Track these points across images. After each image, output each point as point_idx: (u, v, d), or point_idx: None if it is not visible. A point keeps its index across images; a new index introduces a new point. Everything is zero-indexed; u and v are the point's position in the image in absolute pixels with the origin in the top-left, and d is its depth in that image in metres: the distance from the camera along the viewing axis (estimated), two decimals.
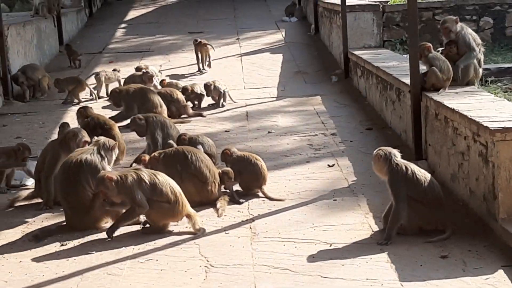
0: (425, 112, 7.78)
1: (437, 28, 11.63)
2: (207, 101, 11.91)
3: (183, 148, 7.54)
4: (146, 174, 6.46)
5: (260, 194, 7.42)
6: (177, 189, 6.55)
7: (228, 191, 7.42)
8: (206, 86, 11.73)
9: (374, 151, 6.19)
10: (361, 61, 11.69)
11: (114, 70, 13.36)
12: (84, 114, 9.29)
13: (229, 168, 7.52)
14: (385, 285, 5.20)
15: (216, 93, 11.76)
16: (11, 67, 12.96)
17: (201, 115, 11.23)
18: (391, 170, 6.05)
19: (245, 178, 7.51)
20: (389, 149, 6.16)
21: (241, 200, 7.26)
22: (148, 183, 6.40)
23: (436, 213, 6.03)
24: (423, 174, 6.12)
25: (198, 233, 6.37)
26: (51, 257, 6.08)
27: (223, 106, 11.76)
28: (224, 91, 11.83)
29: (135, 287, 5.39)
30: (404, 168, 6.05)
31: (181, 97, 11.33)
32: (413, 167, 6.11)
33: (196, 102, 11.80)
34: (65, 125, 8.83)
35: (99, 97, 12.76)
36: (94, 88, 12.83)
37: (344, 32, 12.86)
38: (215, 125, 10.66)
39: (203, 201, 7.16)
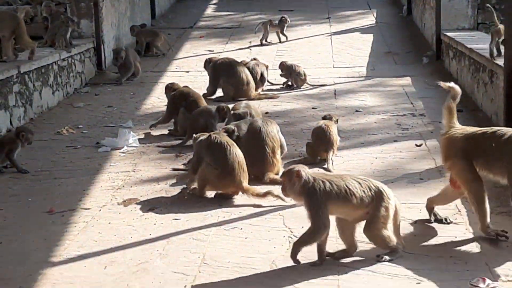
0: None
1: None
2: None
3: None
4: (220, 138, 6.71)
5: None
6: (241, 161, 6.66)
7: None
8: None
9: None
10: (454, 42, 11.51)
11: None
12: (171, 88, 9.49)
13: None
14: (469, 263, 5.15)
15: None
16: (105, 38, 13.23)
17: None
18: None
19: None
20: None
21: None
22: (215, 146, 6.63)
23: None
24: None
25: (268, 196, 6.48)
26: (140, 220, 6.23)
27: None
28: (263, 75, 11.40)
29: (220, 253, 5.48)
30: None
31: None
32: None
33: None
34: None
35: None
36: None
37: (438, 13, 12.66)
38: (302, 102, 10.68)
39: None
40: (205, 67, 11.26)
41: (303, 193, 5.14)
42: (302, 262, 5.23)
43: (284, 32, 15.01)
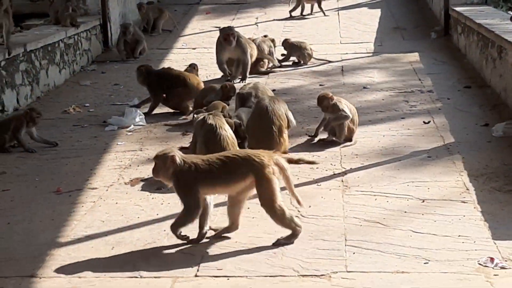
0: None
1: None
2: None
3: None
4: (212, 119, 6.69)
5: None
6: (225, 145, 6.62)
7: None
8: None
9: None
10: (462, 17, 11.41)
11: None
12: (143, 71, 9.36)
13: None
14: (477, 242, 5.13)
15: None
16: (111, 16, 13.18)
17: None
18: None
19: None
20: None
21: None
22: (206, 126, 6.65)
23: None
24: None
25: None
26: (147, 200, 6.23)
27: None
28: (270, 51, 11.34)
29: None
30: None
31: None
32: None
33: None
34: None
35: None
36: None
37: None
38: (309, 79, 10.63)
39: None
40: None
41: (174, 176, 5.21)
42: (309, 241, 5.23)
43: (321, 6, 14.94)
